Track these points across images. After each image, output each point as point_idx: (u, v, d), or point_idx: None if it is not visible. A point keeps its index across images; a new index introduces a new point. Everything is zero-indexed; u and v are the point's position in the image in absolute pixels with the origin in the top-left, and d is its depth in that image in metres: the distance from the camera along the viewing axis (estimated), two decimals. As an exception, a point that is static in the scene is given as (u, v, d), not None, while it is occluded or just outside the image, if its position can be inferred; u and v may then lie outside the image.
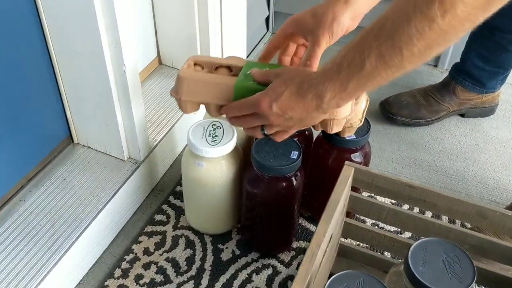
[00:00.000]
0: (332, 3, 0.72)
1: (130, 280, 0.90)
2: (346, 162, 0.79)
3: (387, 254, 0.94)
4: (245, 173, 0.87)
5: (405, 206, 1.02)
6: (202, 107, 0.77)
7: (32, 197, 0.92)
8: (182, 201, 1.02)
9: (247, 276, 0.91)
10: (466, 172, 1.17)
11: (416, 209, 1.02)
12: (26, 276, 0.80)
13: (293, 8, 1.42)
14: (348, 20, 0.72)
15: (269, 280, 0.91)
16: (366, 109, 0.82)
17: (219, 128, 0.88)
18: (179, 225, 1.00)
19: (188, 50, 1.18)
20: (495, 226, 0.75)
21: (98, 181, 0.96)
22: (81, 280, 0.90)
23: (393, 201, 1.01)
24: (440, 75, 1.43)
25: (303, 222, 1.01)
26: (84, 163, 0.99)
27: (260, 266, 0.93)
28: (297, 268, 0.92)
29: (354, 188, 0.82)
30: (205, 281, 0.90)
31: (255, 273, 0.92)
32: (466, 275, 0.64)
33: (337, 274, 0.64)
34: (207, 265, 0.93)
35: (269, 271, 0.92)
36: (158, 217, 1.01)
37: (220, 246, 0.96)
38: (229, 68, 0.77)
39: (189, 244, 0.96)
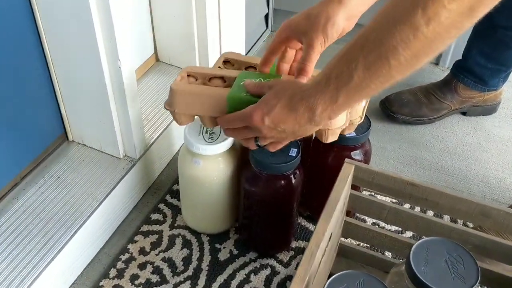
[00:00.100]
0: (325, 4, 0.70)
1: (126, 280, 0.89)
2: (346, 159, 0.78)
3: (388, 254, 0.93)
4: (243, 171, 0.86)
5: (406, 205, 1.01)
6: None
7: (25, 196, 0.90)
8: (179, 200, 1.01)
9: (245, 276, 0.90)
10: (468, 171, 1.15)
11: (417, 209, 1.01)
12: (17, 277, 0.78)
13: (293, 6, 1.42)
14: (343, 21, 0.70)
15: (268, 281, 0.90)
16: (367, 106, 0.81)
17: (216, 125, 0.86)
18: (175, 225, 0.99)
19: (186, 47, 1.17)
20: (499, 226, 0.74)
21: (93, 179, 0.94)
22: (75, 280, 0.89)
23: (394, 200, 1.00)
24: (441, 73, 1.41)
25: (302, 221, 1.00)
26: (79, 161, 0.98)
27: (258, 266, 0.92)
28: (296, 268, 0.90)
29: (354, 187, 0.81)
30: (202, 281, 0.89)
31: (253, 273, 0.91)
32: (470, 275, 0.63)
33: (337, 274, 0.62)
34: (204, 265, 0.91)
35: (268, 271, 0.91)
36: (155, 216, 1.00)
37: (217, 245, 0.95)
38: (223, 78, 0.78)
39: (186, 244, 0.95)
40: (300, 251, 0.95)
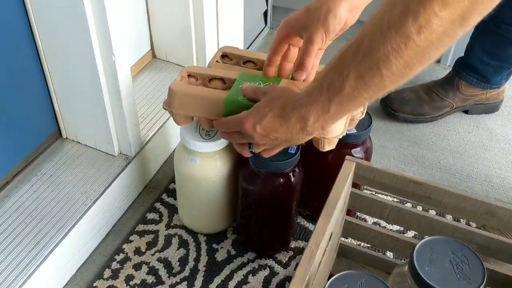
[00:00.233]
0: None
1: (120, 281, 0.87)
2: (347, 157, 0.77)
3: (390, 254, 0.91)
4: (241, 169, 0.85)
5: (408, 205, 0.99)
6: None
7: (18, 194, 0.89)
8: (175, 199, 1.00)
9: (242, 277, 0.89)
10: (471, 170, 1.14)
11: (419, 208, 0.99)
12: (8, 277, 0.76)
13: (292, 2, 1.40)
14: (345, 13, 0.68)
15: (266, 282, 0.88)
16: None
17: (213, 121, 0.84)
18: (172, 224, 0.97)
19: (183, 44, 1.16)
20: (504, 225, 0.73)
21: (87, 177, 0.93)
22: (68, 281, 0.87)
23: (396, 199, 0.98)
24: (442, 71, 1.39)
25: (301, 221, 0.98)
26: (73, 158, 0.96)
27: (256, 267, 0.90)
28: (295, 269, 0.89)
29: (355, 185, 0.79)
30: (198, 282, 0.87)
31: (251, 274, 0.89)
32: (475, 276, 0.61)
33: (338, 275, 0.60)
34: (201, 266, 0.90)
35: (266, 272, 0.90)
36: (150, 216, 0.98)
37: (214, 246, 0.93)
38: (223, 80, 0.78)
39: (183, 244, 0.93)
40: (300, 251, 0.93)
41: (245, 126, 0.66)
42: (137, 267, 0.89)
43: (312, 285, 0.64)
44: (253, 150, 0.72)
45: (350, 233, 0.87)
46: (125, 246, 0.92)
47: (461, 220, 0.97)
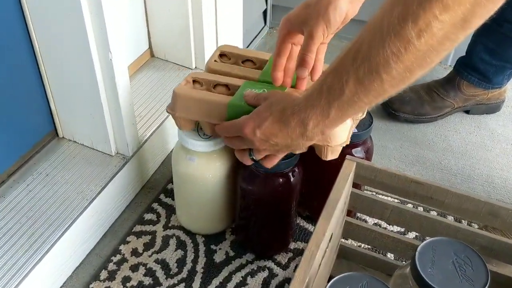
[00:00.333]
0: None
1: (117, 282, 0.86)
2: (347, 156, 0.76)
3: (390, 256, 0.90)
4: (240, 169, 0.83)
5: (409, 205, 0.98)
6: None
7: (13, 194, 0.87)
8: (173, 199, 0.99)
9: (241, 279, 0.87)
10: (472, 170, 1.13)
11: (420, 209, 0.98)
12: (3, 278, 0.75)
13: (292, 1, 1.39)
14: (345, 4, 0.67)
15: (265, 283, 0.87)
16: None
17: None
18: (170, 225, 0.96)
19: (182, 43, 1.15)
20: (508, 226, 0.71)
21: (84, 177, 0.91)
22: (64, 283, 0.86)
23: (397, 200, 0.97)
24: (443, 71, 1.38)
25: (301, 222, 0.97)
26: (69, 158, 0.95)
27: (255, 268, 0.89)
28: (294, 271, 0.88)
29: (355, 185, 0.78)
30: (196, 284, 0.86)
31: (250, 276, 0.88)
32: (479, 278, 0.60)
33: (338, 276, 0.59)
34: (199, 267, 0.89)
35: (265, 273, 0.89)
36: (148, 216, 0.97)
37: (213, 247, 0.92)
38: (227, 86, 0.79)
39: (180, 245, 0.92)
40: (299, 252, 0.92)
41: (245, 131, 0.66)
42: (134, 268, 0.88)
43: (312, 287, 0.63)
44: (253, 157, 0.71)
45: (350, 234, 0.86)
46: (122, 247, 0.91)
47: (463, 221, 0.96)
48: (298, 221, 0.96)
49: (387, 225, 0.96)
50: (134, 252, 0.90)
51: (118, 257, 0.90)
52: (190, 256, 0.90)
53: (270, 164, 0.73)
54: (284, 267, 0.90)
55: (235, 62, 0.86)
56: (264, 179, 0.80)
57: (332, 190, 0.70)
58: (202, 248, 0.92)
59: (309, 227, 0.96)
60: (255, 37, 1.55)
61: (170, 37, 1.16)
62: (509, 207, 0.70)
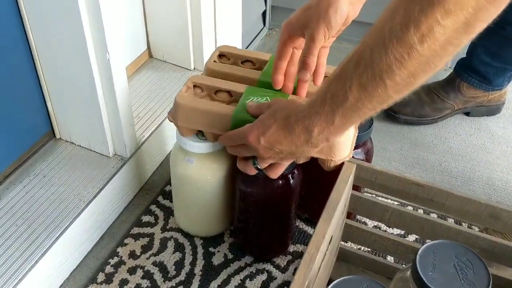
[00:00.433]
0: None
1: (114, 285, 0.85)
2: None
3: (390, 259, 0.90)
4: (239, 171, 0.82)
5: (409, 208, 0.97)
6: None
7: (9, 195, 0.87)
8: (171, 201, 0.98)
9: (240, 281, 0.87)
10: (472, 173, 1.12)
11: (421, 211, 0.97)
12: (-1, 280, 0.75)
13: (291, 2, 1.38)
14: (346, 5, 0.67)
15: (264, 286, 0.86)
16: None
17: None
18: (168, 227, 0.95)
19: (180, 44, 1.15)
20: (509, 228, 0.71)
21: (81, 178, 0.91)
22: (61, 285, 0.85)
23: (397, 202, 0.96)
24: (443, 72, 1.37)
25: (300, 224, 0.97)
26: (66, 159, 0.94)
27: (254, 271, 0.89)
28: (293, 273, 0.87)
29: (355, 187, 0.78)
30: (194, 286, 0.86)
31: (248, 279, 0.87)
32: (480, 281, 0.59)
33: (338, 280, 0.59)
34: (197, 270, 0.88)
35: (264, 276, 0.88)
36: (146, 218, 0.96)
37: (211, 249, 0.92)
38: (229, 92, 0.78)
39: (178, 247, 0.92)
40: (298, 255, 0.91)
41: (249, 138, 0.66)
42: (132, 271, 0.87)
43: (311, 290, 0.62)
44: (258, 166, 0.71)
45: (350, 237, 0.85)
46: (119, 249, 0.91)
47: (463, 223, 0.95)
48: (297, 224, 0.96)
49: (387, 228, 0.95)
50: (132, 255, 0.90)
51: (116, 259, 0.89)
52: (188, 259, 0.90)
53: (274, 173, 0.72)
54: (283, 270, 0.89)
55: (234, 62, 0.85)
56: (263, 182, 0.79)
57: (332, 192, 0.69)
58: (200, 250, 0.91)
59: (309, 229, 0.95)
60: (254, 38, 1.54)
61: (168, 37, 1.16)
62: (510, 209, 0.69)
